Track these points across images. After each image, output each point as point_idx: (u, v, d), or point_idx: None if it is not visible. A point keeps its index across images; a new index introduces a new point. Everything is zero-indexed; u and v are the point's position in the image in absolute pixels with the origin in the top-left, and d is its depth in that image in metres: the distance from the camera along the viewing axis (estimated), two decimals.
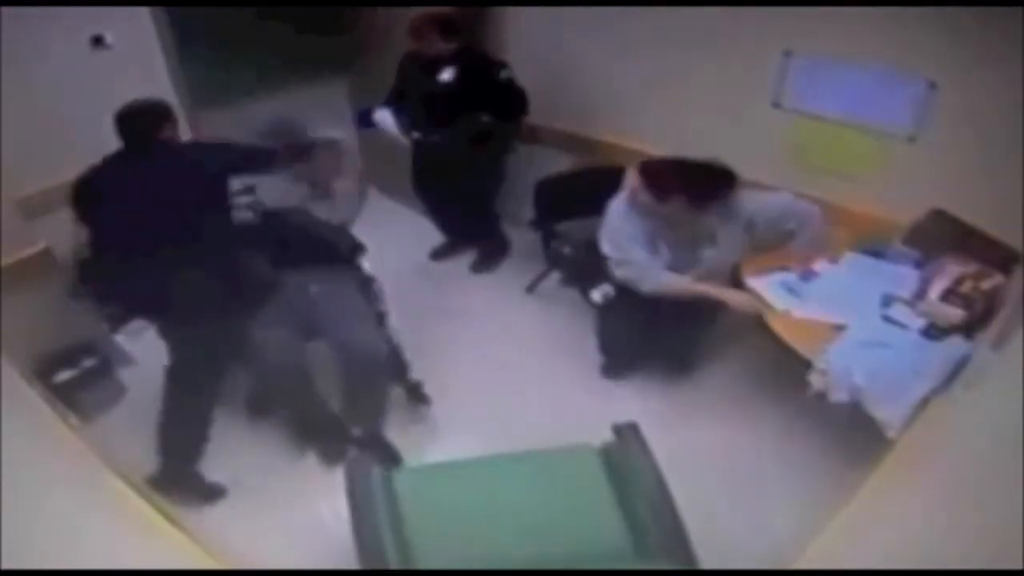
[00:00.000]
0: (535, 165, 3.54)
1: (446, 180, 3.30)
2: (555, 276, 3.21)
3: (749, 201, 2.41)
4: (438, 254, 3.72)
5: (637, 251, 2.39)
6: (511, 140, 3.25)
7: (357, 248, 2.57)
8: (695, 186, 2.30)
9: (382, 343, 2.44)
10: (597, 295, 2.61)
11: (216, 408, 2.36)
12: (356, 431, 2.46)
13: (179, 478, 2.27)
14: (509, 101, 3.06)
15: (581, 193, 2.92)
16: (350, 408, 2.48)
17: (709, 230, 2.42)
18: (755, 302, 2.30)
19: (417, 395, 2.64)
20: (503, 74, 3.02)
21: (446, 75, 3.00)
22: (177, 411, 2.29)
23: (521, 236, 3.50)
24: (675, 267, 2.43)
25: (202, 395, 2.32)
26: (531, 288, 3.36)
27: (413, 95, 3.12)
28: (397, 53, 3.16)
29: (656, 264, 2.41)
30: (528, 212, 3.18)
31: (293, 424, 2.55)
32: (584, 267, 2.78)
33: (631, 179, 2.46)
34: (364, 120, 3.21)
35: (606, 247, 2.45)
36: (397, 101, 3.18)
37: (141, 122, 2.25)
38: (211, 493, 2.32)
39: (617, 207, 2.47)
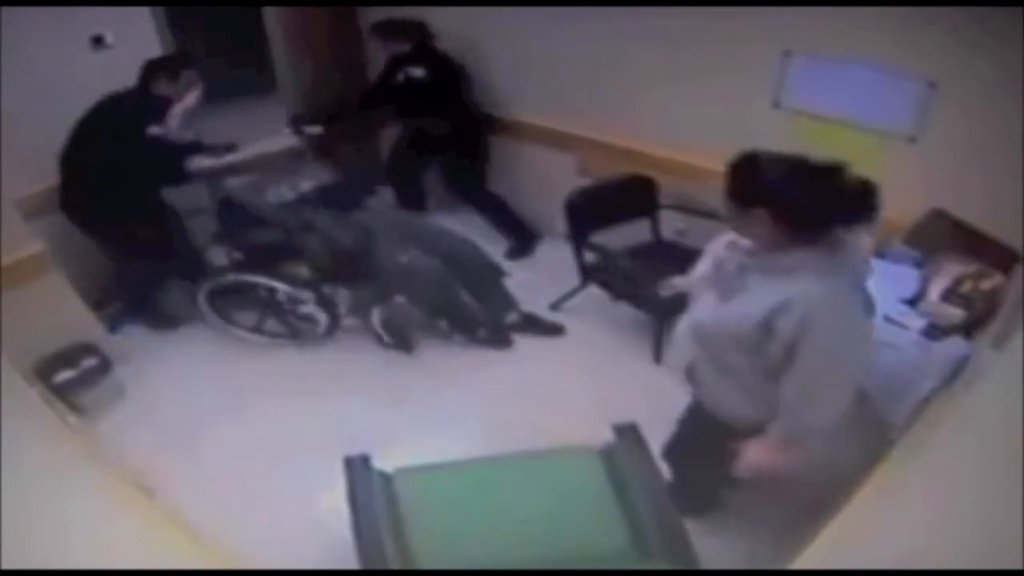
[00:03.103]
0: (536, 165, 3.56)
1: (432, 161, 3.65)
2: (586, 293, 3.15)
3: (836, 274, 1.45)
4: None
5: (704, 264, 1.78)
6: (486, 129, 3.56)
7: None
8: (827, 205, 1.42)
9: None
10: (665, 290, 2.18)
11: None
12: (511, 318, 3.03)
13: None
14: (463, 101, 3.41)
15: (612, 203, 3.01)
16: (485, 307, 3.02)
17: (751, 273, 1.56)
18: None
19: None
20: (463, 75, 3.37)
21: (416, 73, 3.29)
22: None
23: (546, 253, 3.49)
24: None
25: None
26: (555, 306, 3.27)
27: (393, 92, 3.41)
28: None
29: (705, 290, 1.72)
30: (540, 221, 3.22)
31: (455, 325, 3.00)
32: (639, 275, 2.83)
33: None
34: (296, 124, 3.37)
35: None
36: (367, 102, 3.52)
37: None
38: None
39: None
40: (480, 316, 3.03)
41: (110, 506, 1.65)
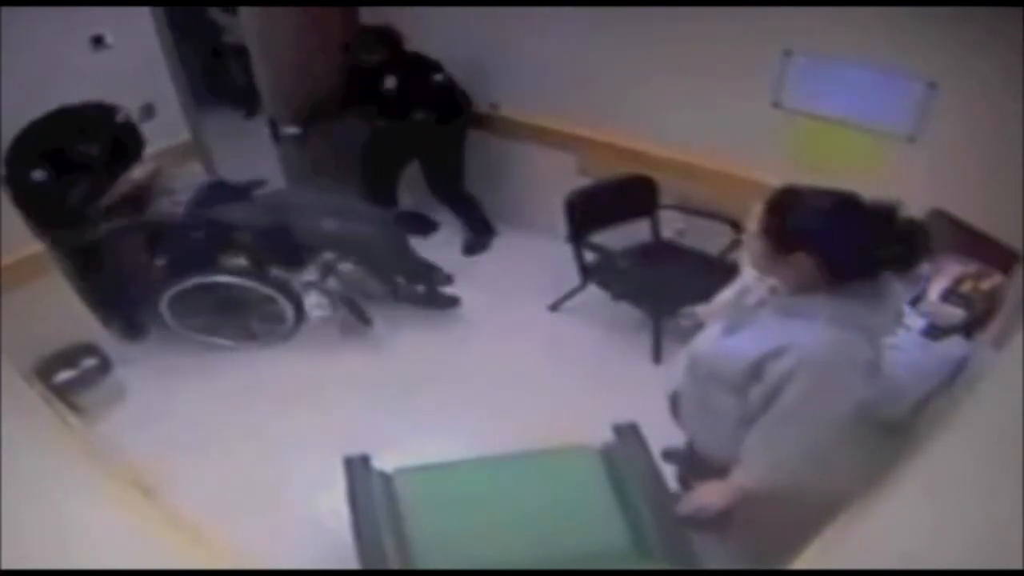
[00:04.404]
0: (536, 165, 3.56)
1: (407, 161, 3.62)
2: (586, 293, 3.14)
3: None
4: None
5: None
6: (462, 131, 3.53)
7: None
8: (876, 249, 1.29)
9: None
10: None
11: None
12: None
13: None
14: (445, 104, 3.35)
15: (612, 203, 3.02)
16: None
17: (767, 309, 1.46)
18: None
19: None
20: (438, 78, 3.28)
21: (389, 83, 3.27)
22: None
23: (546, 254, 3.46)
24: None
25: None
26: (555, 306, 3.29)
27: (362, 101, 3.40)
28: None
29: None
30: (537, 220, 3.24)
31: (412, 278, 3.16)
32: (639, 275, 2.85)
33: None
34: (275, 131, 3.52)
35: None
36: (345, 106, 3.48)
37: None
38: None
39: None
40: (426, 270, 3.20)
41: (110, 506, 1.65)
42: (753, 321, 1.44)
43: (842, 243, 1.28)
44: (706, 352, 1.57)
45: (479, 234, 3.80)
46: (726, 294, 1.63)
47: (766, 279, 1.44)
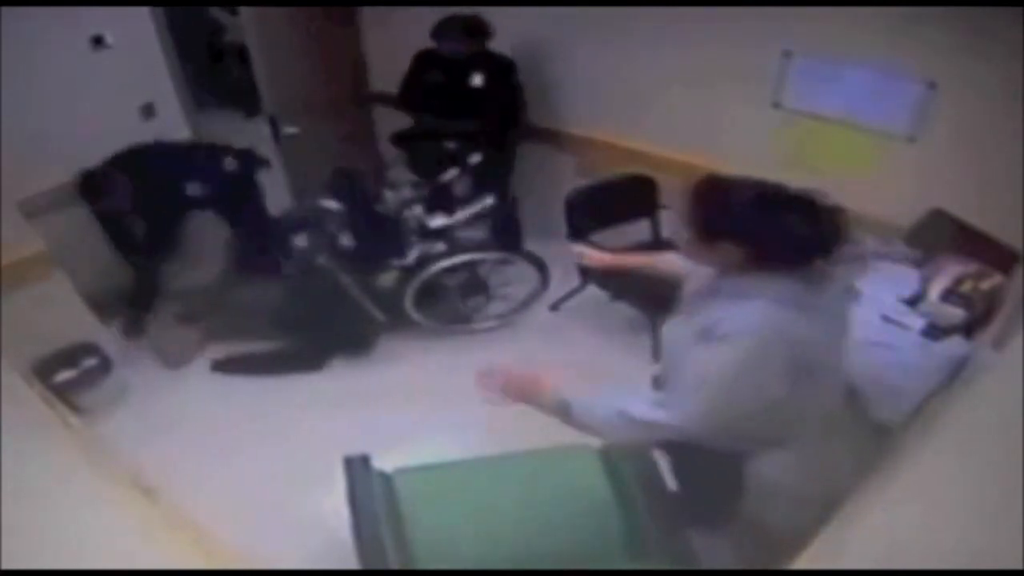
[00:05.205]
0: (537, 166, 3.55)
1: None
2: (586, 293, 3.15)
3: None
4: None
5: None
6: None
7: None
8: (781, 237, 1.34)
9: None
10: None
11: None
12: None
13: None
14: (516, 108, 3.21)
15: (612, 203, 3.02)
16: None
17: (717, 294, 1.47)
18: (679, 262, 1.71)
19: None
20: (514, 79, 3.14)
21: (477, 80, 3.11)
22: None
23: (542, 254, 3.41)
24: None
25: None
26: (556, 306, 3.29)
27: (435, 94, 3.20)
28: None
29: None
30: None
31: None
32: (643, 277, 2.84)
33: None
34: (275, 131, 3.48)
35: None
36: (409, 95, 3.29)
37: None
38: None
39: None
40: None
41: (110, 506, 1.65)
42: (704, 306, 1.45)
43: (764, 232, 1.33)
44: (667, 337, 1.59)
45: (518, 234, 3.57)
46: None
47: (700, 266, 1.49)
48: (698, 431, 1.38)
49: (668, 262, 1.82)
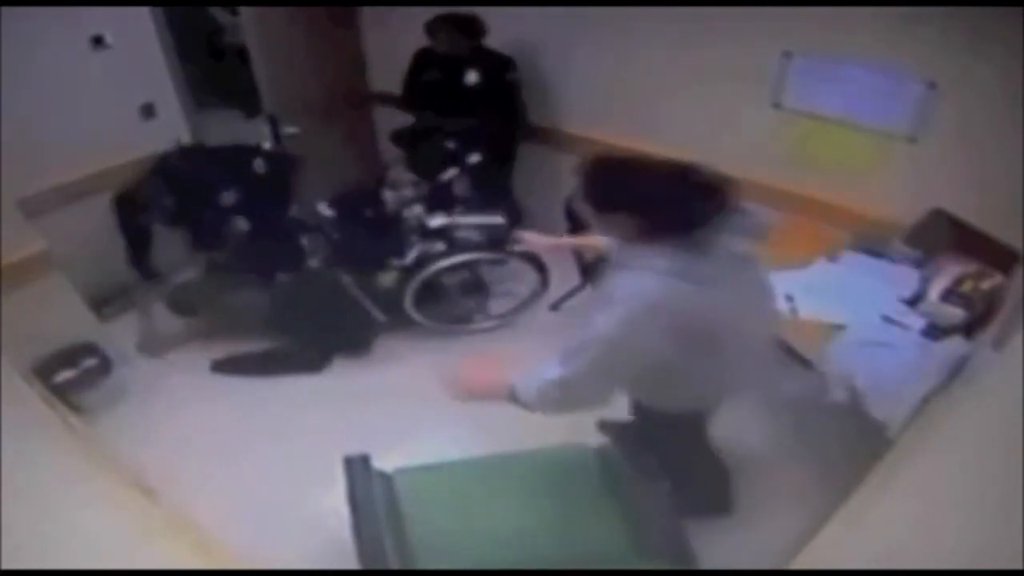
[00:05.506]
0: (537, 166, 3.55)
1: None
2: (586, 293, 3.14)
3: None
4: None
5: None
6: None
7: None
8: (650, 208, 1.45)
9: None
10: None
11: None
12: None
13: None
14: (514, 105, 3.19)
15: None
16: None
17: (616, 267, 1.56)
18: (602, 239, 1.79)
19: None
20: (511, 76, 3.13)
21: (472, 78, 3.11)
22: None
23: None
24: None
25: None
26: (556, 306, 3.29)
27: (432, 92, 3.21)
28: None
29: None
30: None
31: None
32: None
33: None
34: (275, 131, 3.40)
35: None
36: (411, 95, 3.30)
37: None
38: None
39: None
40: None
41: (110, 506, 1.65)
42: (607, 276, 1.56)
43: (650, 204, 1.44)
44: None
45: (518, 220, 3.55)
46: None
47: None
48: (584, 384, 1.50)
49: (594, 240, 1.90)
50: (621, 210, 1.46)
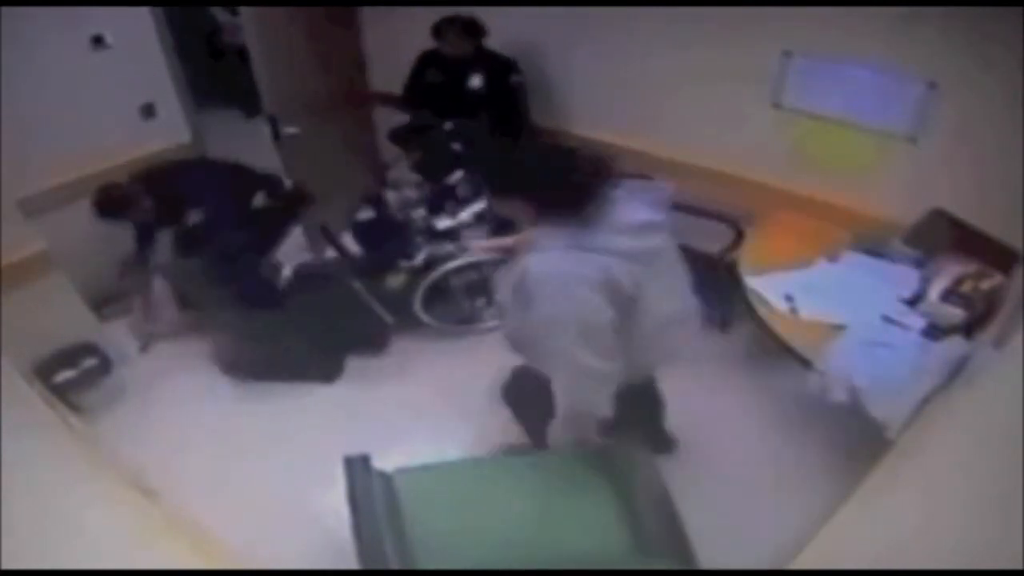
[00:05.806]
0: None
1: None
2: None
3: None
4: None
5: None
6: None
7: None
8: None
9: None
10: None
11: None
12: None
13: None
14: (517, 107, 3.19)
15: None
16: None
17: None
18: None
19: None
20: (515, 79, 3.13)
21: (476, 82, 3.12)
22: None
23: None
24: None
25: None
26: None
27: (435, 94, 3.21)
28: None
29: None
30: None
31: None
32: None
33: None
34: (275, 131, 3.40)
35: None
36: (413, 95, 3.30)
37: None
38: None
39: None
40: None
41: (110, 506, 1.66)
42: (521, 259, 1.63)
43: (538, 185, 1.55)
44: None
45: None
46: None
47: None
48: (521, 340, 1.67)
49: (525, 236, 1.92)
50: (518, 196, 1.58)
